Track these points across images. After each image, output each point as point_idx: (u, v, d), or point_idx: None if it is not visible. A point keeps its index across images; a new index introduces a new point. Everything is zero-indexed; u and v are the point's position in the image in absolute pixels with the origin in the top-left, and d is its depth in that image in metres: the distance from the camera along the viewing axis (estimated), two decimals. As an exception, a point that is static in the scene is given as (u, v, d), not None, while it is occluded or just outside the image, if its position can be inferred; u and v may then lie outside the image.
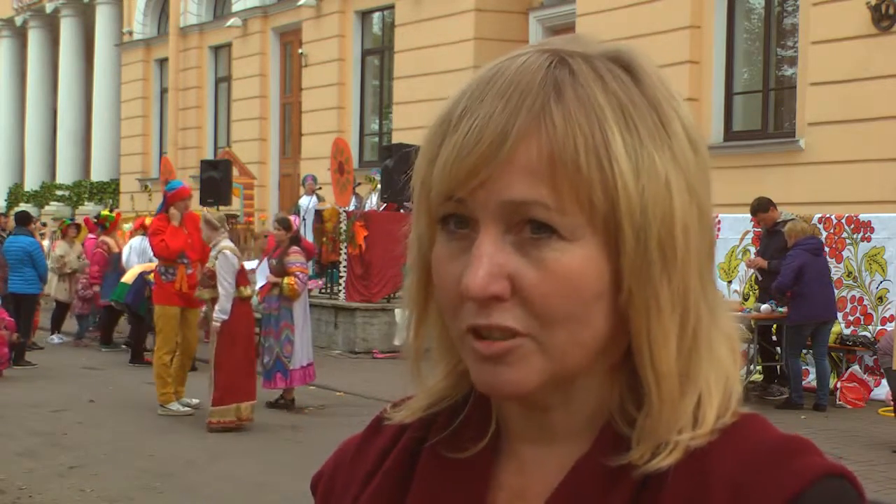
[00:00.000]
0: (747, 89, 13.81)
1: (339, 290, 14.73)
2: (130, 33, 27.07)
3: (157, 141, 26.75)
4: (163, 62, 26.23)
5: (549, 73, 0.84)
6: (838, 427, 9.27)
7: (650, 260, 0.83)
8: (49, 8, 29.88)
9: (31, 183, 30.85)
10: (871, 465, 7.85)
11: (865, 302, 10.92)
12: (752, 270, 11.36)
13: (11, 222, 16.38)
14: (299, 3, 20.40)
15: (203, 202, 16.12)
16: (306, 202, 16.53)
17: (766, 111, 13.55)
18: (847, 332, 10.97)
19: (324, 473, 1.05)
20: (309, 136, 20.48)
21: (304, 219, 15.10)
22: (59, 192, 28.71)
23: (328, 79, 20.13)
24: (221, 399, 9.35)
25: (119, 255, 14.85)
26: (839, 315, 10.69)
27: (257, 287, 10.61)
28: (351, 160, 15.71)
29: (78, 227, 17.22)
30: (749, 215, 11.10)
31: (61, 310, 16.46)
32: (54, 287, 16.02)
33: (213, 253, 9.53)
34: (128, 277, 13.80)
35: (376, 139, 20.00)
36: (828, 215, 11.22)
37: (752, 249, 11.53)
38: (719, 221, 11.70)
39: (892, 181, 11.31)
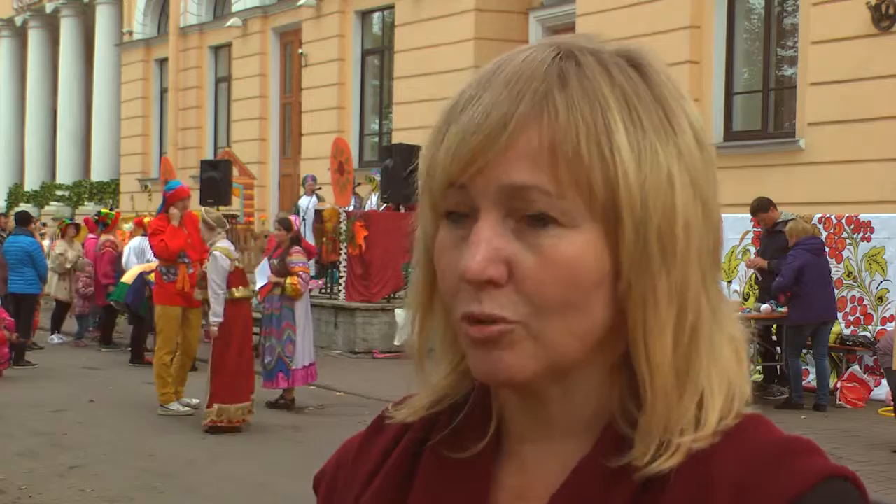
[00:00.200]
0: (747, 89, 13.81)
1: (339, 290, 14.73)
2: (130, 33, 27.07)
3: (157, 141, 26.74)
4: (163, 62, 26.23)
5: (555, 64, 0.84)
6: (838, 427, 9.27)
7: (649, 252, 0.83)
8: (49, 8, 29.88)
9: (31, 183, 30.85)
10: (871, 465, 7.85)
11: (865, 302, 10.92)
12: (751, 270, 11.36)
13: (11, 222, 16.37)
14: (299, 3, 20.39)
15: (203, 202, 16.11)
16: (306, 202, 16.54)
17: (766, 111, 13.54)
18: (847, 332, 10.97)
19: (326, 473, 1.05)
20: (309, 136, 20.48)
21: (304, 219, 15.11)
22: (59, 192, 28.70)
23: (328, 79, 20.13)
24: (213, 400, 9.34)
25: (121, 254, 14.86)
26: (839, 315, 10.69)
27: (257, 287, 10.60)
28: (351, 160, 15.71)
29: (77, 226, 17.20)
30: (749, 215, 11.10)
31: (61, 309, 16.45)
32: (54, 286, 16.01)
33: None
34: (127, 277, 13.80)
35: (376, 139, 19.99)
36: (828, 215, 11.22)
37: (752, 249, 11.52)
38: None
39: (892, 181, 11.31)
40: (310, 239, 14.46)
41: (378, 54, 20.16)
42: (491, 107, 0.83)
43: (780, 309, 10.46)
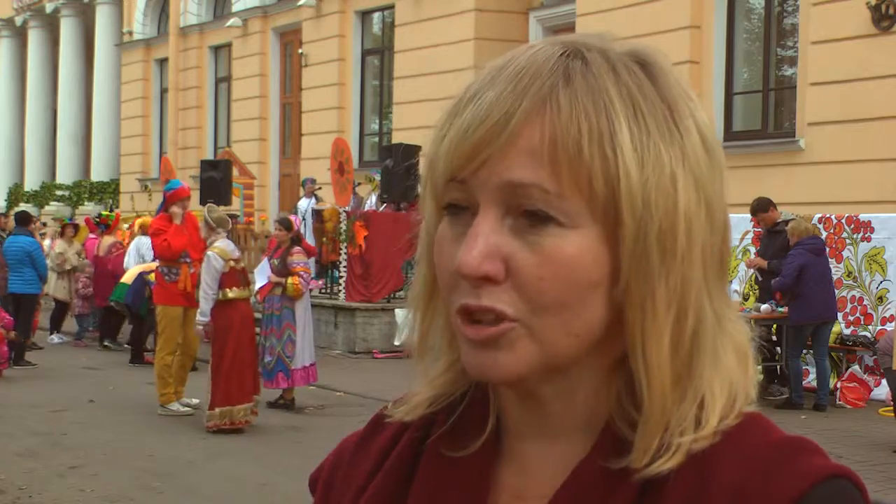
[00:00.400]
0: (747, 89, 13.81)
1: (339, 290, 14.73)
2: (130, 33, 27.07)
3: (157, 141, 26.74)
4: (163, 62, 26.23)
5: (561, 61, 0.84)
6: (838, 427, 9.27)
7: (649, 253, 0.82)
8: (49, 8, 29.87)
9: (31, 183, 30.85)
10: (871, 465, 7.85)
11: (865, 302, 10.93)
12: (752, 270, 11.37)
13: (11, 222, 16.37)
14: (299, 3, 20.39)
15: (203, 202, 16.11)
16: (305, 204, 16.54)
17: (766, 111, 13.55)
18: (847, 332, 10.97)
19: (322, 471, 1.04)
20: (309, 136, 20.47)
21: (304, 219, 15.12)
22: (59, 192, 28.70)
23: (328, 79, 20.13)
24: (214, 403, 9.34)
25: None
26: (839, 315, 10.69)
27: (257, 287, 10.60)
28: (351, 160, 15.72)
29: (76, 226, 17.22)
30: (749, 215, 11.11)
31: (61, 309, 16.46)
32: (53, 286, 16.01)
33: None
34: (127, 277, 13.80)
35: (376, 139, 19.99)
36: (828, 215, 11.22)
37: (752, 249, 11.53)
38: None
39: (892, 181, 11.31)
40: (309, 239, 14.45)
41: (378, 54, 20.16)
42: (494, 102, 0.83)
43: (780, 309, 10.46)
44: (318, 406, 10.69)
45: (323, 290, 15.09)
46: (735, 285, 11.88)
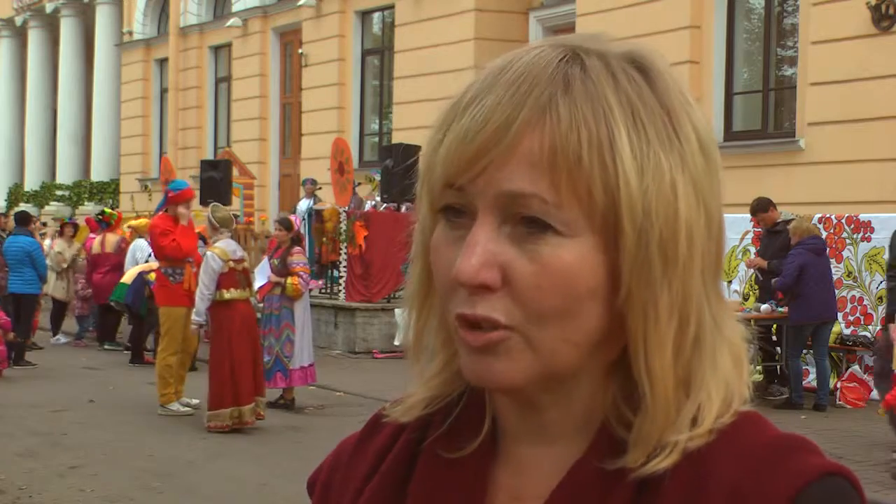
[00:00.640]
0: (747, 89, 13.81)
1: (339, 290, 14.73)
2: (130, 33, 27.07)
3: (157, 141, 26.74)
4: (163, 62, 26.23)
5: (560, 67, 0.83)
6: (838, 427, 9.27)
7: (651, 261, 0.82)
8: (49, 8, 29.87)
9: (31, 183, 30.85)
10: (871, 465, 7.85)
11: (865, 302, 10.92)
12: (752, 270, 11.36)
13: (11, 222, 16.38)
14: (299, 3, 20.39)
15: (203, 202, 16.12)
16: (304, 205, 16.54)
17: (766, 111, 13.55)
18: (847, 332, 10.97)
19: (320, 473, 1.04)
20: (309, 136, 20.48)
21: (303, 219, 15.12)
22: (59, 192, 28.70)
23: (328, 79, 20.13)
24: (214, 403, 9.33)
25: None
26: (839, 315, 10.69)
27: (256, 287, 10.60)
28: (351, 160, 15.72)
29: (75, 225, 17.23)
30: (749, 215, 11.11)
31: (59, 309, 16.46)
32: (52, 285, 16.02)
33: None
34: (127, 277, 13.80)
35: (376, 139, 19.99)
36: (828, 215, 11.22)
37: (752, 249, 11.53)
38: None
39: (893, 181, 11.31)
40: (308, 240, 14.46)
41: (378, 54, 20.16)
42: (493, 109, 0.83)
43: (780, 309, 10.46)
44: (318, 406, 10.69)
45: (323, 290, 15.09)
46: (735, 285, 11.88)
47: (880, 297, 10.82)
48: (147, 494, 7.39)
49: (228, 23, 22.87)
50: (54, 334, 16.24)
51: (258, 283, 10.64)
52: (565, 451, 0.89)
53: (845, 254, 11.04)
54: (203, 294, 9.36)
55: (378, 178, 15.28)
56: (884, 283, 10.80)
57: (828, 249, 10.53)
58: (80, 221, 18.57)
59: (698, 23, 13.55)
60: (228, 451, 8.75)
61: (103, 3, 27.97)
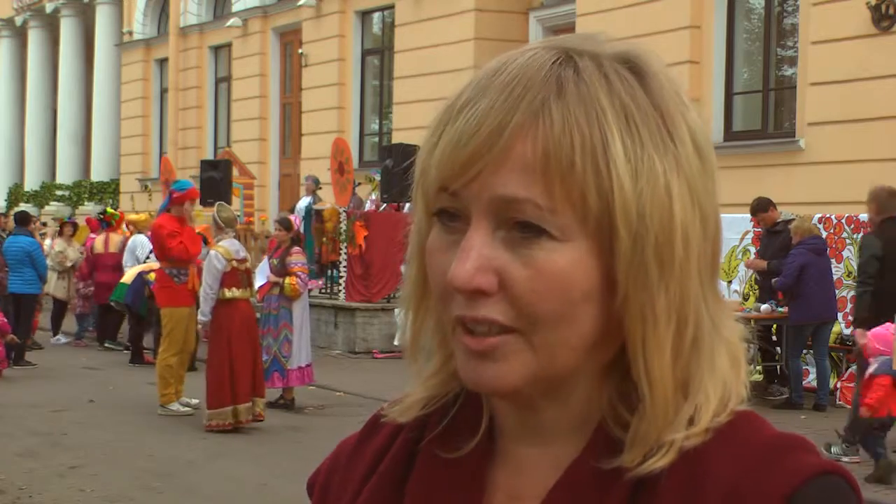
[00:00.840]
0: (747, 89, 13.80)
1: (339, 290, 14.73)
2: (130, 33, 27.07)
3: (157, 141, 26.74)
4: (163, 62, 26.23)
5: (553, 70, 0.83)
6: (838, 427, 9.25)
7: (647, 265, 0.82)
8: (49, 8, 29.86)
9: (31, 183, 30.85)
10: (871, 464, 7.84)
11: (865, 302, 10.91)
12: (751, 271, 11.37)
13: (11, 222, 16.39)
14: (299, 3, 20.39)
15: (203, 202, 16.12)
16: (303, 203, 16.54)
17: (766, 111, 13.54)
18: (847, 332, 10.94)
19: (320, 474, 1.05)
20: (309, 136, 20.47)
21: (304, 219, 15.12)
22: (59, 192, 28.69)
23: (328, 79, 20.13)
24: (214, 402, 9.33)
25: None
26: (839, 315, 10.68)
27: (256, 286, 10.61)
28: (351, 160, 15.71)
29: (75, 225, 17.24)
30: (749, 215, 11.11)
31: (60, 309, 16.46)
32: (53, 285, 16.03)
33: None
34: (127, 277, 13.79)
35: (376, 139, 19.99)
36: (828, 215, 11.22)
37: (752, 249, 11.53)
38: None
39: (893, 181, 11.30)
40: (307, 240, 14.46)
41: (378, 54, 20.16)
42: (487, 113, 0.82)
43: (780, 309, 10.46)
44: (318, 406, 10.69)
45: (323, 290, 15.09)
46: (735, 285, 11.88)
47: (880, 297, 10.81)
48: (147, 494, 7.39)
49: (228, 23, 22.87)
50: (54, 334, 16.24)
51: (258, 283, 10.66)
52: (562, 450, 0.89)
53: (845, 254, 11.04)
54: (207, 294, 9.37)
55: (378, 178, 15.28)
56: (883, 283, 10.80)
57: (828, 249, 10.53)
58: (81, 221, 18.57)
59: (698, 23, 13.55)
60: (228, 451, 8.75)
61: (103, 3, 27.96)
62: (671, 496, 0.83)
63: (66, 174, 29.17)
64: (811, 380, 10.47)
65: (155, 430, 9.59)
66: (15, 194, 30.72)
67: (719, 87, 13.57)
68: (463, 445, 0.93)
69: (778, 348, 10.90)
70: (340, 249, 14.67)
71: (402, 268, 0.97)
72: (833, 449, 7.96)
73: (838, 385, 10.51)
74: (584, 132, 0.81)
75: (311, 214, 15.77)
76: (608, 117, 0.82)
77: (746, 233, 11.80)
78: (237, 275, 9.54)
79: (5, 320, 12.97)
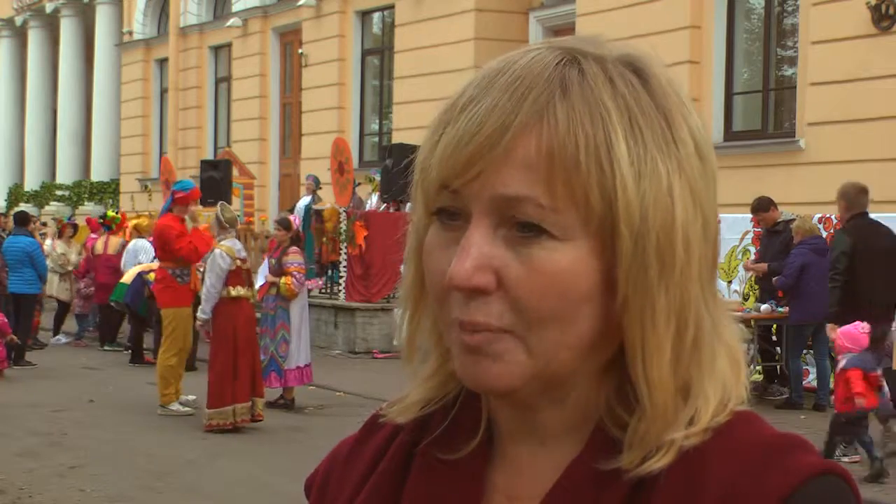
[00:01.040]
0: (747, 89, 13.80)
1: (339, 290, 14.73)
2: (130, 33, 27.07)
3: (157, 141, 26.74)
4: (163, 62, 26.23)
5: (557, 71, 0.83)
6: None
7: (647, 266, 0.82)
8: (49, 8, 29.86)
9: (31, 183, 30.84)
10: (871, 464, 7.84)
11: (865, 302, 10.90)
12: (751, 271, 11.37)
13: (11, 222, 16.39)
14: (299, 3, 20.39)
15: (203, 202, 16.12)
16: (303, 203, 16.55)
17: (766, 111, 13.54)
18: (847, 331, 10.95)
19: (317, 475, 1.05)
20: (309, 136, 20.47)
21: (303, 219, 15.12)
22: (59, 192, 28.69)
23: (328, 79, 20.13)
24: (213, 401, 9.33)
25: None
26: (839, 315, 10.67)
27: (257, 287, 10.63)
28: (351, 160, 15.72)
29: (75, 226, 17.24)
30: (749, 215, 11.10)
31: (63, 309, 16.48)
32: (55, 287, 16.03)
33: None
34: (126, 278, 13.79)
35: (376, 139, 20.00)
36: (828, 215, 11.21)
37: (752, 249, 11.53)
38: (719, 221, 11.66)
39: (893, 181, 11.30)
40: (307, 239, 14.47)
41: (378, 54, 20.16)
42: (489, 112, 0.82)
43: (779, 309, 10.46)
44: (318, 406, 10.69)
45: (323, 290, 15.09)
46: (735, 285, 11.88)
47: (880, 297, 10.81)
48: (147, 494, 7.40)
49: (228, 23, 22.87)
50: (55, 334, 16.24)
51: (258, 283, 10.68)
52: (561, 451, 0.89)
53: (845, 254, 11.02)
54: (211, 293, 9.37)
55: (378, 178, 15.28)
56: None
57: (829, 250, 10.52)
58: (81, 221, 18.57)
59: (698, 23, 13.55)
60: (228, 450, 8.75)
61: (103, 3, 27.96)
62: (670, 496, 0.83)
63: (66, 174, 29.17)
64: (811, 380, 10.47)
65: (155, 430, 9.59)
66: (15, 194, 30.72)
67: (719, 87, 13.57)
68: (462, 447, 0.93)
69: (778, 348, 10.90)
70: (340, 249, 14.67)
71: (402, 268, 0.97)
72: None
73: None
74: (588, 132, 0.81)
75: (311, 214, 15.76)
76: (612, 118, 0.82)
77: (746, 233, 11.80)
78: (241, 274, 9.58)
79: (6, 321, 12.98)
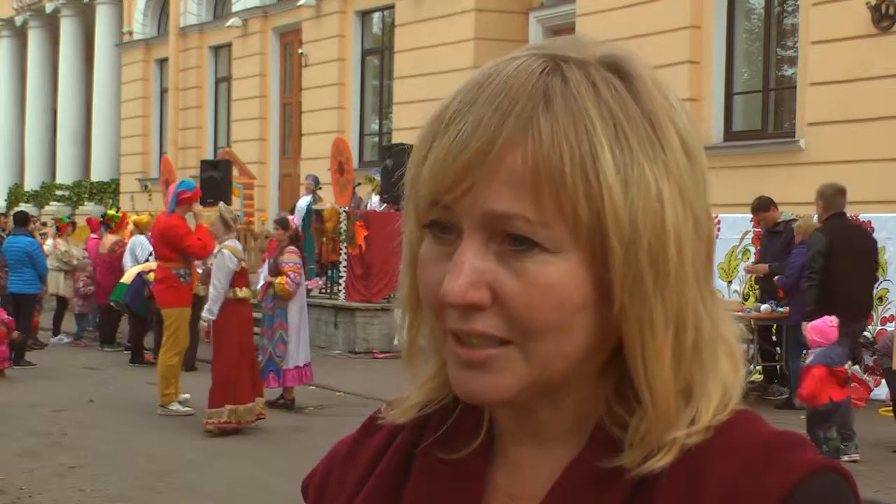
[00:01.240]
0: (747, 89, 13.81)
1: (339, 290, 14.73)
2: (130, 33, 27.07)
3: (157, 141, 26.75)
4: (163, 62, 26.23)
5: (541, 81, 0.83)
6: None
7: (641, 274, 0.82)
8: (49, 8, 29.86)
9: (31, 183, 30.85)
10: (871, 465, 7.85)
11: (865, 302, 10.91)
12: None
13: (11, 222, 16.40)
14: (299, 3, 20.39)
15: (203, 202, 16.11)
16: (303, 203, 16.55)
17: (766, 111, 13.55)
18: (847, 332, 10.96)
19: (314, 477, 1.05)
20: (309, 136, 20.48)
21: (302, 219, 15.12)
22: (59, 192, 28.70)
23: (328, 79, 20.13)
24: (215, 401, 9.33)
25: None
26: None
27: (258, 287, 10.65)
28: (351, 160, 15.72)
29: (73, 224, 17.27)
30: (749, 215, 11.11)
31: (63, 308, 16.48)
32: (61, 285, 16.06)
33: (216, 250, 9.57)
34: (126, 277, 13.80)
35: (376, 139, 20.00)
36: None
37: (752, 249, 11.53)
38: (719, 221, 11.70)
39: (892, 181, 11.31)
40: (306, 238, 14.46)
41: (378, 54, 20.16)
42: (475, 127, 0.82)
43: (779, 309, 10.46)
44: (318, 406, 10.69)
45: (323, 290, 15.10)
46: (735, 285, 11.88)
47: (880, 297, 10.82)
48: (147, 494, 7.40)
49: (228, 23, 22.87)
50: (55, 334, 16.25)
51: (260, 283, 10.69)
52: (561, 451, 0.90)
53: (845, 254, 11.02)
54: (219, 293, 9.34)
55: (378, 178, 15.28)
56: (883, 282, 10.82)
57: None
58: (81, 221, 18.58)
59: (698, 23, 13.55)
60: (228, 451, 8.75)
61: (103, 3, 27.97)
62: (671, 494, 0.83)
63: (66, 174, 29.17)
64: (811, 380, 10.46)
65: (155, 430, 9.59)
66: (15, 194, 30.72)
67: (719, 87, 13.57)
68: (463, 447, 0.93)
69: (778, 348, 10.90)
70: (340, 249, 14.67)
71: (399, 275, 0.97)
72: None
73: (838, 385, 10.50)
74: (572, 145, 0.81)
75: (311, 214, 15.75)
76: (597, 128, 0.82)
77: (746, 233, 11.80)
78: (245, 274, 9.60)
79: (11, 318, 12.99)
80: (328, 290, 15.09)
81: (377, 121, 20.31)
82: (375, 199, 15.80)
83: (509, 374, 0.84)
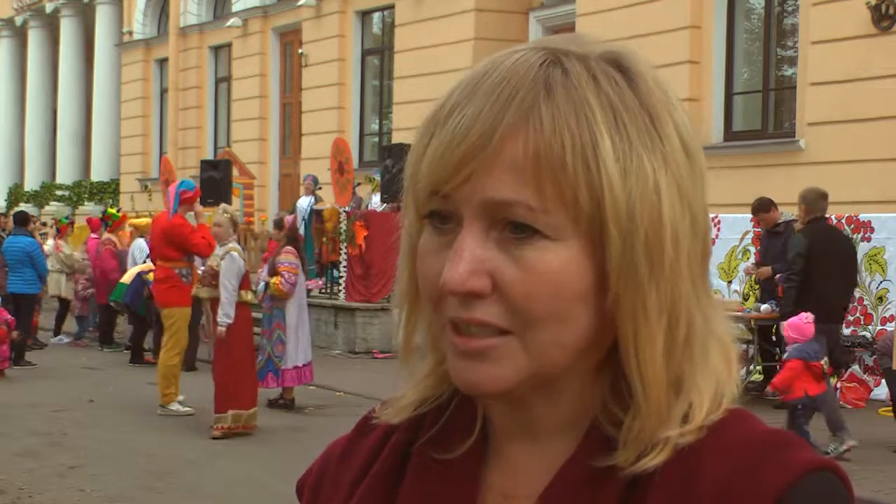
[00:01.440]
0: (747, 89, 13.81)
1: (339, 290, 14.73)
2: (130, 33, 27.07)
3: (157, 141, 26.75)
4: (163, 62, 26.24)
5: (541, 72, 0.83)
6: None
7: (637, 264, 0.83)
8: (49, 8, 29.87)
9: (31, 183, 30.85)
10: (872, 465, 7.85)
11: (865, 302, 10.92)
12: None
13: (11, 222, 16.40)
14: (299, 3, 20.40)
15: (203, 202, 16.11)
16: (303, 203, 16.55)
17: (766, 111, 13.55)
18: (847, 332, 10.96)
19: (309, 476, 1.05)
20: (309, 136, 20.48)
21: (304, 219, 15.12)
22: (59, 192, 28.70)
23: (328, 79, 20.13)
24: (224, 405, 9.30)
25: (125, 252, 14.88)
26: (839, 315, 10.68)
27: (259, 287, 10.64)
28: (351, 160, 15.72)
29: (72, 224, 17.29)
30: (749, 215, 11.11)
31: (65, 309, 16.49)
32: (63, 287, 16.06)
33: (219, 252, 9.51)
34: (126, 277, 13.80)
35: (376, 139, 20.00)
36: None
37: (752, 249, 11.53)
38: (719, 221, 11.71)
39: (892, 181, 11.31)
40: (307, 240, 14.46)
41: (378, 54, 20.16)
42: (476, 117, 0.83)
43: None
44: (318, 406, 10.69)
45: (323, 290, 15.10)
46: (735, 285, 11.88)
47: (880, 297, 10.83)
48: (147, 494, 7.40)
49: (228, 23, 22.87)
50: (55, 334, 16.25)
51: (260, 283, 10.68)
52: (556, 449, 0.90)
53: (845, 254, 11.02)
54: (231, 295, 9.30)
55: (378, 177, 15.28)
56: (884, 282, 10.82)
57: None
58: (80, 221, 18.59)
59: (698, 23, 13.56)
60: (228, 451, 8.75)
61: (103, 3, 27.97)
62: (665, 493, 0.83)
63: (66, 174, 29.18)
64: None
65: (155, 430, 9.59)
66: (15, 194, 30.72)
67: (719, 87, 13.57)
68: (457, 446, 0.93)
69: (778, 348, 10.89)
70: (340, 249, 14.67)
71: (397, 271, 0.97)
72: (830, 446, 7.98)
73: (838, 385, 10.50)
74: (573, 132, 0.82)
75: (311, 214, 15.75)
76: (597, 117, 0.82)
77: (746, 233, 11.80)
78: (248, 277, 9.60)
79: (13, 317, 13.00)
80: (328, 290, 15.09)
81: (377, 121, 20.32)
82: (375, 199, 15.80)
83: (508, 364, 0.84)
